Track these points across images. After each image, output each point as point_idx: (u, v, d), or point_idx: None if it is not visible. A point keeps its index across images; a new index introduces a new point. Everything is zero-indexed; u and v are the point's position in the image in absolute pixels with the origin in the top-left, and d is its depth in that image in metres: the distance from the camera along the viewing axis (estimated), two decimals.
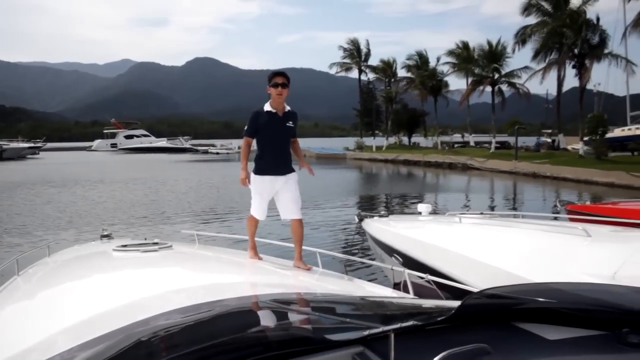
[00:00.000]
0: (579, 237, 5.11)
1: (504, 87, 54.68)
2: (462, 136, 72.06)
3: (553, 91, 49.51)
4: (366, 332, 1.65)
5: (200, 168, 49.00)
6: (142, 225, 16.05)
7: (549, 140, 55.85)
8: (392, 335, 1.56)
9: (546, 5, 44.94)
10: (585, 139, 39.28)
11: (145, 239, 5.33)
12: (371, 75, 72.15)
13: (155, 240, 4.95)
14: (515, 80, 53.82)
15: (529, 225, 6.38)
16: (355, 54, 68.44)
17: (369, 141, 66.76)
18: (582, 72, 40.87)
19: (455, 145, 62.42)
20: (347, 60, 69.31)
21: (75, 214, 18.71)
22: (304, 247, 5.33)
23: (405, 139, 73.11)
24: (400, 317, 2.16)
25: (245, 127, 5.37)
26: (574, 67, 41.98)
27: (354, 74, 71.01)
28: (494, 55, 53.81)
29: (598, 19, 40.93)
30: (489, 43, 54.79)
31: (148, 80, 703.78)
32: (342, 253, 6.53)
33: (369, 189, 28.60)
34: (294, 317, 2.14)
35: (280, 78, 5.22)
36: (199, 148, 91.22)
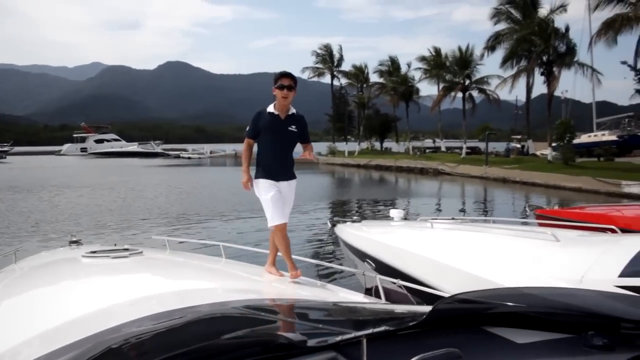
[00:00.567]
0: (547, 242, 5.20)
1: (475, 93, 55.39)
2: (434, 141, 72.63)
3: (522, 97, 50.39)
4: (338, 338, 1.64)
5: (171, 173, 48.55)
6: (112, 231, 15.81)
7: (519, 145, 56.67)
8: (364, 341, 1.56)
9: (515, 13, 45.71)
10: (554, 144, 39.94)
11: (115, 244, 5.25)
12: (343, 81, 72.54)
13: (126, 246, 4.89)
14: (486, 87, 54.58)
15: (499, 230, 6.47)
16: (328, 59, 68.75)
17: (341, 146, 66.98)
18: (551, 79, 41.59)
19: (427, 151, 62.95)
20: (319, 65, 69.64)
21: (42, 219, 18.34)
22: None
23: (377, 144, 73.48)
24: (372, 323, 2.17)
25: (247, 128, 5.18)
26: (542, 74, 42.70)
27: (326, 79, 71.34)
28: (465, 61, 54.44)
29: (567, 29, 41.79)
30: (460, 49, 55.46)
31: (119, 84, 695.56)
32: (315, 259, 6.54)
33: (342, 195, 28.66)
34: (265, 323, 2.13)
35: (286, 80, 5.01)
36: (171, 153, 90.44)
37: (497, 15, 46.39)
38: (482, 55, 50.70)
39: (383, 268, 5.64)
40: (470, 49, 54.81)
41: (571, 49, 41.78)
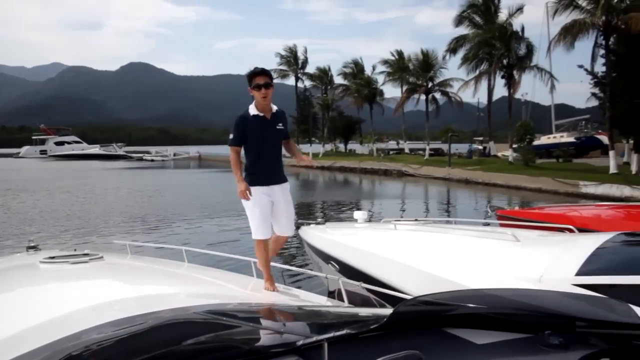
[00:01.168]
0: (508, 242, 5.29)
1: (438, 96, 56.14)
2: (397, 143, 73.24)
3: (484, 100, 51.13)
4: (300, 342, 1.64)
5: (134, 175, 47.88)
6: (71, 236, 15.46)
7: (481, 147, 57.55)
8: (326, 345, 1.56)
9: (477, 18, 46.45)
10: (514, 146, 40.66)
11: (75, 249, 5.15)
12: (308, 83, 72.58)
13: (86, 251, 4.79)
14: (449, 89, 55.32)
15: (461, 231, 6.56)
16: (292, 61, 68.74)
17: (305, 148, 66.92)
18: (511, 82, 42.38)
19: (391, 152, 63.39)
20: (284, 67, 69.53)
21: None
22: (240, 258, 5.27)
23: (341, 146, 73.70)
24: (334, 326, 2.18)
25: (230, 136, 4.81)
26: (503, 77, 43.46)
27: (290, 81, 71.27)
28: (428, 64, 55.08)
29: (523, 31, 42.62)
30: (423, 52, 56.06)
31: (80, 85, 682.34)
32: (278, 262, 6.52)
33: (306, 197, 28.65)
34: (227, 329, 2.12)
35: (262, 78, 4.64)
36: (134, 155, 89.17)
37: (460, 19, 47.04)
38: (444, 57, 51.40)
39: (347, 270, 5.66)
40: (433, 52, 55.60)
41: (530, 53, 42.67)
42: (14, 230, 16.54)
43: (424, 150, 56.45)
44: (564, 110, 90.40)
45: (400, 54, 59.60)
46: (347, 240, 6.34)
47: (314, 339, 1.65)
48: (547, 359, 1.66)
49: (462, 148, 61.02)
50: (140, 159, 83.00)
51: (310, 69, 72.30)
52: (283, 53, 69.41)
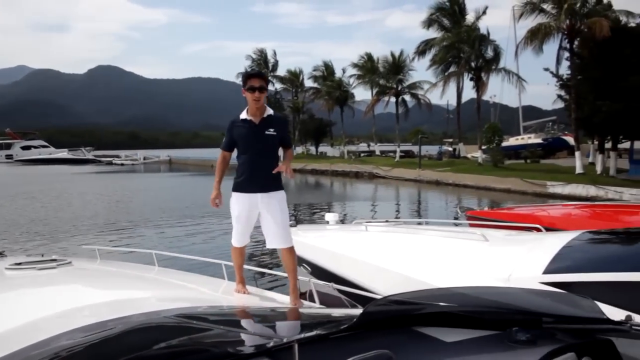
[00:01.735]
0: (477, 242, 5.36)
1: (407, 98, 56.48)
2: (368, 145, 73.53)
3: (453, 102, 51.63)
4: (270, 344, 1.65)
5: (103, 180, 47.19)
6: (38, 242, 15.14)
7: (450, 149, 58.18)
8: (296, 346, 1.57)
9: (446, 21, 46.93)
10: (484, 147, 41.13)
11: (43, 255, 5.07)
12: (278, 85, 72.29)
13: (53, 257, 4.72)
14: (418, 91, 55.70)
15: (431, 232, 6.63)
16: (263, 64, 68.42)
17: None
18: (479, 84, 42.88)
19: (362, 155, 63.53)
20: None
21: None
22: (211, 260, 5.23)
23: (312, 149, 73.69)
24: (305, 327, 2.19)
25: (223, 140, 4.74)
26: (471, 79, 43.95)
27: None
28: (397, 67, 55.43)
29: (488, 34, 43.18)
30: (393, 55, 56.40)
31: (47, 89, 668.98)
32: (250, 264, 6.51)
33: None
34: (197, 332, 2.11)
35: (256, 80, 4.51)
36: (103, 159, 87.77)
37: (429, 22, 47.46)
38: (412, 59, 51.78)
39: (319, 272, 5.68)
40: (403, 54, 55.97)
41: (497, 56, 43.26)
42: None
43: (394, 152, 56.78)
44: (531, 111, 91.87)
45: (369, 56, 59.90)
46: (319, 242, 6.36)
47: (284, 340, 1.66)
48: (515, 355, 1.70)
49: (432, 150, 61.49)
50: (110, 163, 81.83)
51: (281, 71, 72.16)
52: (253, 56, 69.18)
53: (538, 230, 6.72)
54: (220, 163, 4.82)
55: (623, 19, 29.13)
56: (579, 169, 30.21)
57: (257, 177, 4.54)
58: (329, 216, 7.91)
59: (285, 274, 4.65)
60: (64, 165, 77.56)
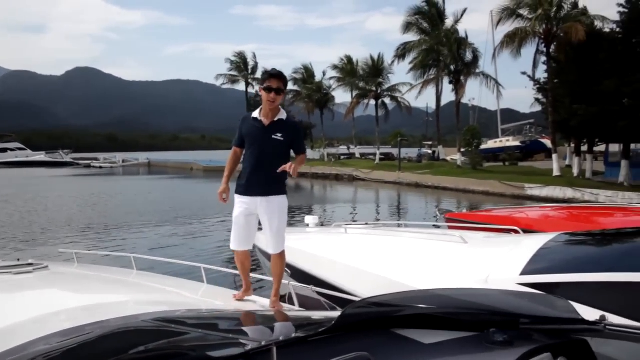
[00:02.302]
0: (456, 244, 5.39)
1: (387, 101, 56.72)
2: (348, 148, 73.63)
3: (433, 105, 52.00)
4: (248, 347, 1.64)
5: (81, 183, 46.61)
6: (13, 246, 14.90)
7: (430, 151, 58.52)
8: (274, 349, 1.57)
9: (425, 24, 47.22)
10: (463, 150, 41.45)
11: (19, 259, 5.00)
12: (258, 88, 72.12)
13: (30, 261, 4.65)
14: (398, 94, 55.94)
15: (410, 234, 6.66)
16: (242, 66, 68.27)
17: None
18: (458, 88, 43.21)
19: (342, 157, 63.68)
20: (234, 73, 68.99)
21: None
22: (190, 264, 5.20)
23: (292, 152, 73.53)
24: (283, 330, 2.19)
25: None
26: (450, 83, 44.27)
27: (241, 86, 70.68)
28: (377, 69, 55.62)
29: (467, 37, 43.56)
30: (372, 58, 56.60)
31: (24, 90, 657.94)
32: (230, 267, 6.48)
33: None
34: (175, 336, 2.10)
35: (275, 82, 4.37)
36: (81, 162, 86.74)
37: (408, 26, 47.72)
38: (392, 62, 51.99)
39: (298, 274, 5.67)
40: (382, 57, 56.17)
41: (476, 59, 43.69)
42: None
43: (374, 154, 56.98)
44: (509, 115, 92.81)
45: (350, 59, 60.04)
46: (298, 245, 6.35)
47: (262, 343, 1.65)
48: (492, 356, 1.71)
49: (412, 152, 61.94)
50: (88, 166, 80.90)
51: (261, 74, 71.96)
52: (233, 58, 68.97)
53: (516, 232, 6.78)
54: (231, 158, 4.70)
55: (598, 24, 29.57)
56: (556, 172, 30.59)
57: (257, 180, 4.42)
58: (308, 219, 7.91)
59: (266, 277, 4.64)
60: (41, 168, 76.52)
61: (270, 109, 4.42)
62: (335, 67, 60.96)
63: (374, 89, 55.55)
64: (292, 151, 4.64)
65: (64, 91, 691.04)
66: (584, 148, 31.89)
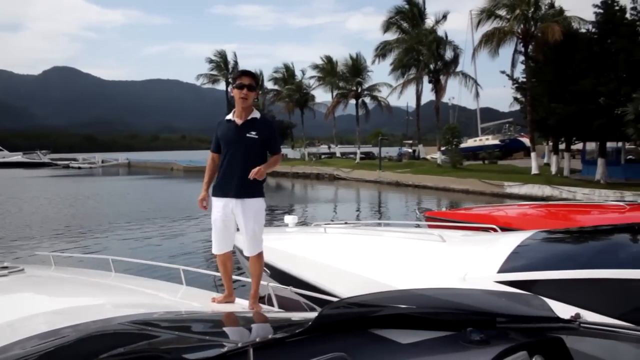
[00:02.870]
0: (434, 243, 5.42)
1: (367, 100, 56.82)
2: (329, 147, 73.66)
3: (413, 104, 52.18)
4: (224, 349, 1.64)
5: (58, 184, 46.03)
6: None
7: (410, 150, 58.80)
8: (251, 350, 1.56)
9: (405, 24, 47.41)
10: (443, 149, 41.70)
11: None
12: (230, 88, 71.79)
13: (5, 264, 4.59)
14: (378, 94, 56.15)
15: (390, 233, 6.68)
16: (223, 65, 67.99)
17: None
18: (438, 87, 43.45)
19: (322, 156, 63.69)
20: (214, 72, 68.69)
21: None
22: (169, 265, 5.16)
23: None
24: (260, 331, 2.18)
25: None
26: (430, 82, 44.49)
27: (221, 85, 70.33)
28: (357, 69, 55.73)
29: (446, 37, 43.81)
30: (352, 57, 56.68)
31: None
32: (209, 269, 6.45)
33: None
34: (151, 338, 2.08)
35: (246, 78, 4.39)
36: (59, 162, 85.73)
37: (388, 26, 47.88)
38: (373, 62, 52.13)
39: (278, 275, 5.66)
40: (360, 58, 56.26)
41: (456, 58, 43.96)
42: None
43: (355, 154, 57.14)
44: (489, 113, 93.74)
45: (330, 59, 60.10)
46: (278, 245, 6.33)
47: (239, 345, 1.65)
48: (469, 355, 1.72)
49: (392, 151, 62.17)
50: (67, 167, 79.97)
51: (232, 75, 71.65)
52: (213, 58, 68.67)
53: (494, 230, 6.84)
54: (209, 165, 4.66)
55: (575, 25, 29.93)
56: (534, 170, 30.93)
57: (233, 181, 4.37)
58: (287, 219, 7.89)
59: (245, 278, 4.62)
60: (18, 169, 75.46)
61: (243, 108, 4.42)
62: (315, 66, 61.02)
63: (354, 88, 55.65)
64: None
65: (41, 91, 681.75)
66: (562, 146, 32.29)
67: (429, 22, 46.17)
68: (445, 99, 49.89)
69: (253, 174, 4.18)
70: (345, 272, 5.14)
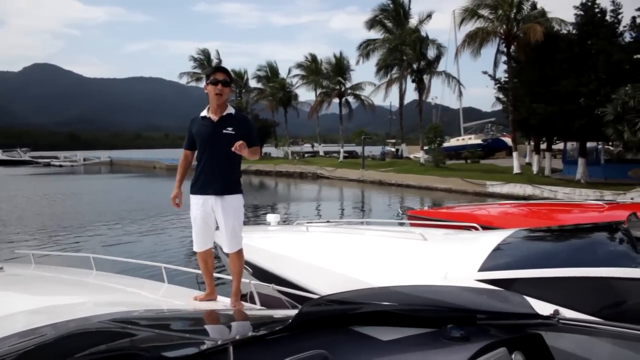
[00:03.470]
0: (416, 241, 5.44)
1: (351, 99, 56.90)
2: (312, 146, 73.70)
3: (396, 103, 52.33)
4: (204, 347, 1.64)
5: (38, 182, 45.50)
6: None
7: (393, 149, 58.94)
8: (231, 348, 1.56)
9: (389, 23, 47.50)
10: (425, 148, 41.85)
11: None
12: (204, 86, 71.43)
13: None
14: (361, 92, 56.21)
15: (372, 232, 6.70)
16: (206, 64, 67.68)
17: None
18: (421, 87, 43.59)
19: (306, 155, 63.58)
20: (197, 70, 68.35)
21: None
22: (151, 264, 5.13)
23: None
24: (241, 329, 2.18)
25: None
26: (413, 81, 44.61)
27: (204, 84, 70.12)
28: (341, 68, 55.75)
29: (427, 36, 43.91)
30: (336, 56, 56.68)
31: None
32: (191, 267, 6.42)
33: None
34: (131, 336, 2.08)
35: (220, 74, 4.43)
36: (40, 160, 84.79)
37: (372, 24, 47.94)
38: (357, 62, 52.17)
39: (260, 273, 5.65)
40: (343, 57, 56.28)
41: (439, 58, 44.15)
42: None
43: (338, 152, 57.19)
44: (471, 113, 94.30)
45: (314, 57, 60.06)
46: (259, 244, 6.33)
47: (219, 343, 1.65)
48: (449, 352, 1.73)
49: (375, 150, 62.28)
50: (48, 165, 79.17)
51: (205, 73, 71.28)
52: (196, 56, 68.34)
53: (475, 229, 6.89)
54: (182, 162, 4.65)
55: (556, 26, 30.19)
56: (516, 169, 31.16)
57: (211, 178, 4.35)
58: (270, 217, 7.89)
59: (227, 276, 4.61)
60: None
61: (218, 105, 4.41)
62: (299, 65, 60.94)
63: (338, 87, 55.68)
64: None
65: (21, 88, 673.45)
66: (543, 146, 32.57)
67: (413, 21, 46.34)
68: (428, 99, 50.09)
69: (237, 145, 4.13)
70: (328, 270, 5.15)
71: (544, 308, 2.19)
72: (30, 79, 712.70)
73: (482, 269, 4.19)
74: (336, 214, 21.93)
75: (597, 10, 26.17)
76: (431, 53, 43.73)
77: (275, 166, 49.59)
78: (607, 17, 26.11)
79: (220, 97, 4.39)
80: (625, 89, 20.52)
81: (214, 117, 4.41)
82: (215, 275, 4.85)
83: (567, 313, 2.64)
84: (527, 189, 25.42)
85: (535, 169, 31.79)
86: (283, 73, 65.85)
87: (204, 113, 4.48)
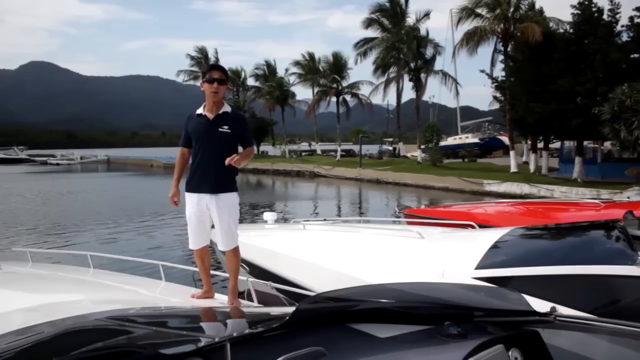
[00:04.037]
0: (413, 239, 5.45)
1: (348, 98, 56.87)
2: (309, 145, 73.64)
3: (394, 102, 52.35)
4: (201, 344, 1.64)
5: (35, 180, 45.42)
6: None
7: (391, 148, 58.93)
8: (228, 345, 1.56)
9: (386, 21, 47.50)
10: (423, 147, 41.87)
11: None
12: (200, 84, 71.30)
13: None
14: (358, 91, 56.19)
15: (369, 230, 6.71)
16: (204, 62, 67.57)
17: None
18: (418, 85, 43.61)
19: (303, 154, 63.52)
20: (194, 69, 68.26)
21: None
22: (148, 261, 5.13)
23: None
24: (238, 326, 2.18)
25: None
26: (410, 80, 44.64)
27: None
28: (338, 67, 55.73)
29: (428, 35, 43.96)
30: (334, 55, 56.66)
31: None
32: (188, 264, 6.42)
33: None
34: (129, 333, 2.08)
35: (216, 72, 4.41)
36: (37, 158, 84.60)
37: (369, 23, 47.96)
38: (355, 62, 52.16)
39: (257, 271, 5.66)
40: (341, 56, 56.25)
41: (435, 58, 44.20)
42: None
43: (335, 151, 57.15)
44: (468, 112, 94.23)
45: (311, 56, 60.04)
46: (257, 242, 6.33)
47: (216, 340, 1.65)
48: (446, 349, 1.74)
49: (372, 149, 62.26)
50: (45, 163, 79.00)
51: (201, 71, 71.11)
52: (194, 54, 68.26)
53: (472, 227, 6.90)
54: (179, 160, 4.64)
55: (553, 25, 30.22)
56: (513, 168, 31.21)
57: (206, 176, 4.36)
58: (267, 215, 7.89)
59: (225, 274, 4.62)
60: None
61: (214, 102, 4.41)
62: (297, 63, 60.88)
63: (335, 85, 55.66)
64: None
65: (18, 86, 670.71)
66: (540, 145, 32.60)
67: (410, 20, 46.35)
68: (425, 98, 50.25)
69: (229, 159, 4.15)
70: (325, 268, 5.16)
71: (540, 305, 2.20)
72: (27, 77, 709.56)
73: (479, 267, 4.20)
74: (333, 212, 21.96)
75: (594, 9, 26.19)
76: (428, 52, 43.82)
77: (272, 164, 49.57)
78: (605, 17, 26.12)
79: (216, 95, 4.38)
80: (622, 88, 20.52)
81: (210, 115, 4.41)
82: (214, 273, 4.84)
83: (563, 311, 2.66)
84: (524, 188, 25.45)
85: (532, 167, 31.81)
86: (280, 71, 65.90)
87: (200, 110, 4.48)
